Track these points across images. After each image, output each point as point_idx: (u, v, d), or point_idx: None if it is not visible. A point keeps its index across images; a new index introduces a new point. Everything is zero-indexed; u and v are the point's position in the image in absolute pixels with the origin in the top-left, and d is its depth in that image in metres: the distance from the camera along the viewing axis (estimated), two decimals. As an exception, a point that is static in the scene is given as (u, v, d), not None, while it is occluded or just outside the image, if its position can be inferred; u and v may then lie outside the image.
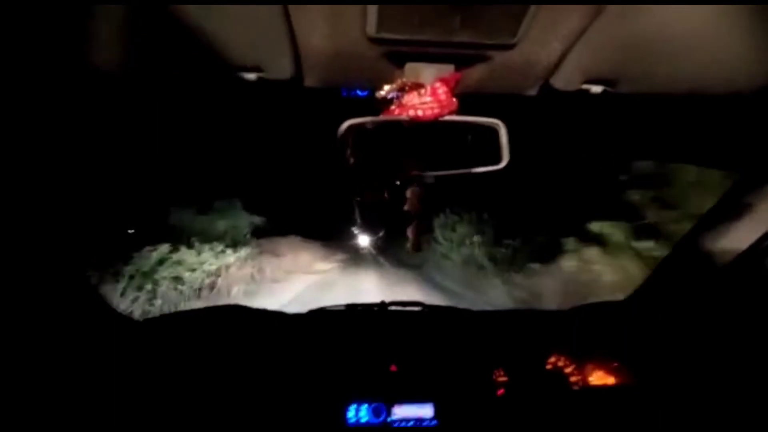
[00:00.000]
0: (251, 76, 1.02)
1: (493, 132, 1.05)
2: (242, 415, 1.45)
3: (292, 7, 0.84)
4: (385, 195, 1.29)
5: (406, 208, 1.19)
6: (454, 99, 1.00)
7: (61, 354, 1.39)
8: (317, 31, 0.91)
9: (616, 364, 1.60)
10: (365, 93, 1.16)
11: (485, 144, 1.05)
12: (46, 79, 1.01)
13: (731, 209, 1.39)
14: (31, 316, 1.32)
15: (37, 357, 1.32)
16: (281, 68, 1.02)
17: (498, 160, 1.06)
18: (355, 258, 21.57)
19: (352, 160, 1.05)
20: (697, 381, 1.49)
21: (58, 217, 1.39)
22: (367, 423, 1.47)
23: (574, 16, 0.84)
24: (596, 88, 1.02)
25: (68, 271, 1.44)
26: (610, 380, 1.58)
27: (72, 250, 1.47)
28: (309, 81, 1.10)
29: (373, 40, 0.92)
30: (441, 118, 1.00)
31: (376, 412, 1.48)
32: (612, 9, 0.81)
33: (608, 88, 1.03)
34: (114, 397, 1.41)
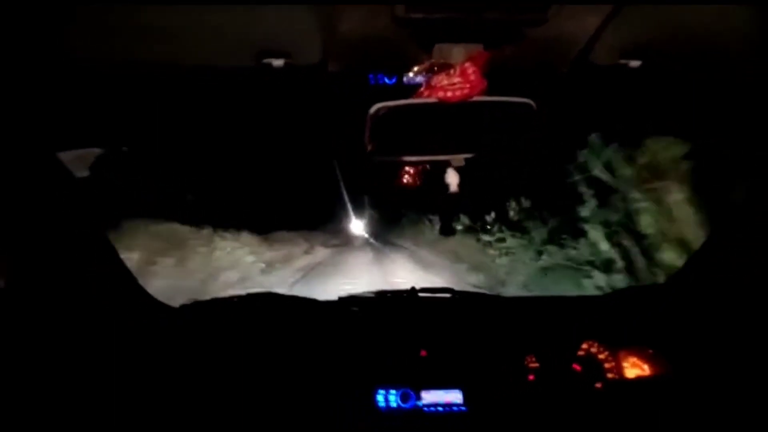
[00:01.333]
0: (278, 62, 1.03)
1: (526, 112, 1.02)
2: (274, 399, 1.48)
3: None
4: (413, 180, 1.28)
5: (442, 191, 1.18)
6: (484, 79, 0.98)
7: (99, 340, 1.45)
8: (345, 14, 0.90)
9: (651, 352, 1.56)
10: (393, 80, 1.15)
11: (517, 125, 1.03)
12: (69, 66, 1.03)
13: None
14: (69, 303, 1.37)
15: (76, 343, 1.38)
16: (308, 53, 1.02)
17: (530, 141, 1.04)
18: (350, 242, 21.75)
19: (379, 144, 1.04)
20: (732, 370, 1.44)
21: (93, 204, 1.44)
22: (396, 408, 1.47)
23: None
24: (634, 63, 0.98)
25: (105, 257, 1.49)
26: (645, 368, 1.54)
27: (107, 238, 1.53)
28: (336, 66, 1.09)
29: (402, 22, 0.91)
30: (471, 99, 0.98)
31: (405, 398, 1.48)
32: None
33: (647, 62, 0.99)
34: (151, 382, 1.47)
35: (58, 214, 1.32)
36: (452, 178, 1.14)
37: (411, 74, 1.03)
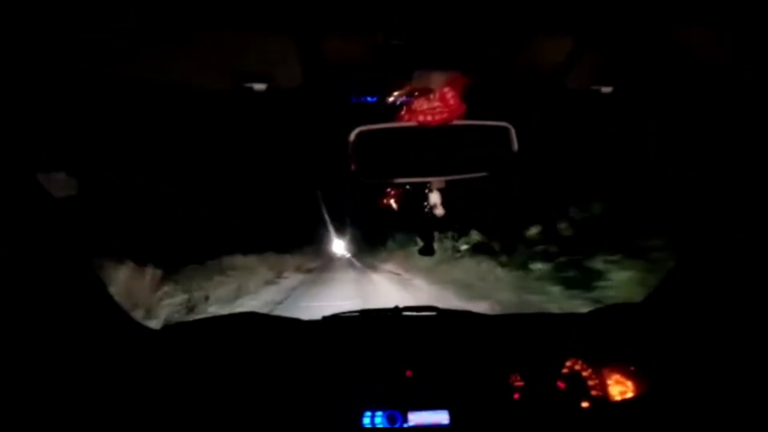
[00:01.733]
0: (260, 86, 1.04)
1: (503, 135, 1.05)
2: (258, 422, 1.45)
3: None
4: (394, 202, 1.30)
5: (425, 212, 1.20)
6: (463, 103, 1.01)
7: (78, 362, 1.41)
8: (327, 40, 0.92)
9: (633, 369, 1.57)
10: (374, 99, 1.17)
11: (495, 147, 1.05)
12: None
13: (753, 209, 1.37)
14: (49, 325, 1.34)
15: (54, 366, 1.34)
16: (290, 77, 1.03)
17: (508, 163, 1.06)
18: (331, 262, 22.00)
19: (361, 167, 1.05)
20: (716, 386, 1.45)
21: (76, 225, 1.42)
22: (383, 430, 1.46)
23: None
24: (606, 89, 1.01)
25: (85, 280, 1.47)
26: (628, 385, 1.55)
27: (89, 259, 1.50)
28: (317, 89, 1.11)
29: (381, 49, 0.93)
30: (450, 123, 1.00)
31: (391, 419, 1.47)
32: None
33: (618, 89, 1.02)
34: (132, 405, 1.43)
35: (40, 234, 1.30)
36: (434, 199, 1.15)
37: (391, 99, 1.05)
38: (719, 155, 1.47)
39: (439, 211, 1.16)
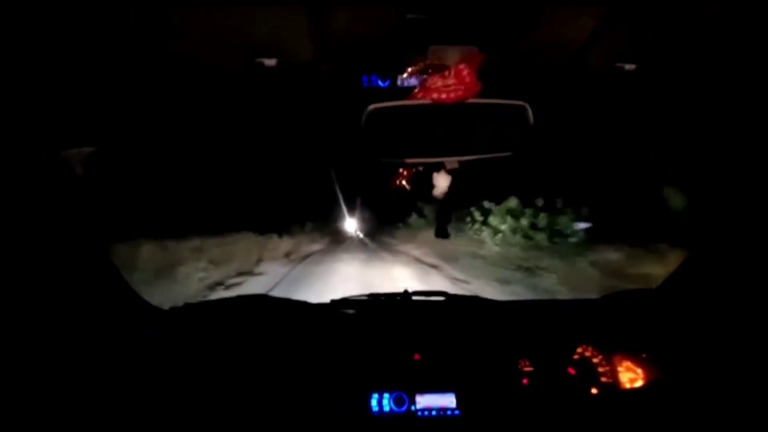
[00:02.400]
0: (271, 61, 1.01)
1: (520, 114, 1.02)
2: (266, 403, 1.46)
3: None
4: (407, 182, 1.27)
5: (434, 193, 1.17)
6: (479, 81, 0.97)
7: (89, 342, 1.43)
8: (339, 14, 0.89)
9: (644, 356, 1.56)
10: (386, 83, 1.14)
11: (512, 127, 1.02)
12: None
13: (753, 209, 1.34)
14: (61, 305, 1.35)
15: (68, 344, 1.35)
16: (301, 53, 1.00)
17: (525, 144, 1.03)
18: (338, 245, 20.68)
19: (374, 145, 1.03)
20: (726, 374, 1.43)
21: (87, 209, 1.42)
22: (390, 412, 1.46)
23: None
24: (629, 66, 0.97)
25: (97, 260, 1.47)
26: (638, 372, 1.54)
27: (101, 240, 1.51)
28: (330, 66, 1.08)
29: (395, 24, 0.89)
30: (465, 101, 0.97)
31: (398, 402, 1.47)
32: None
33: (642, 66, 0.98)
34: (142, 385, 1.44)
35: (51, 217, 1.30)
36: (444, 181, 1.13)
37: (405, 75, 1.02)
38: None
39: (447, 192, 1.13)
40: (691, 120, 1.32)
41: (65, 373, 1.32)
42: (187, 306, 1.79)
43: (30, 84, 1.04)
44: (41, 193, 1.27)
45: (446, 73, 0.96)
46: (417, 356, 1.57)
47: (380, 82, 1.16)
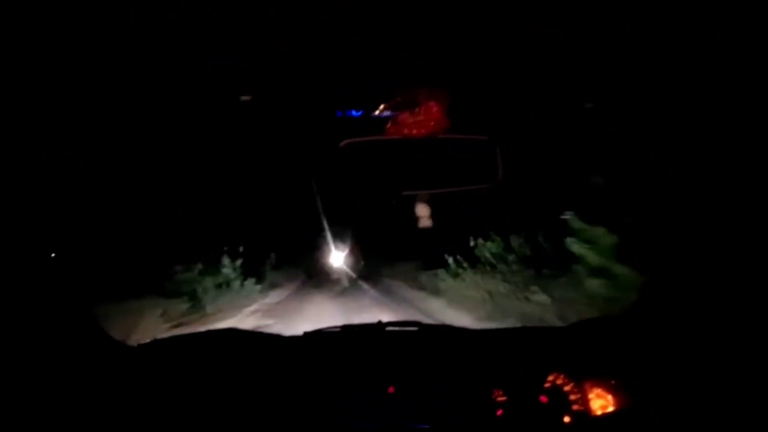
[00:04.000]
0: (246, 97, 1.03)
1: (486, 148, 1.06)
2: None
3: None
4: (378, 212, 1.30)
5: (419, 225, 1.20)
6: (447, 118, 1.02)
7: (57, 378, 1.37)
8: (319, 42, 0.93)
9: (613, 382, 1.59)
10: (359, 113, 1.17)
11: (479, 160, 1.06)
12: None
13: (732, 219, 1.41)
14: (29, 340, 1.30)
15: (34, 380, 1.29)
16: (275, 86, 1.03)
17: (494, 177, 1.07)
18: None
19: (348, 178, 1.05)
20: (695, 398, 1.47)
21: (58, 245, 1.39)
22: None
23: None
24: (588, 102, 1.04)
25: (66, 297, 1.42)
26: (608, 399, 1.56)
27: (71, 277, 1.46)
28: (304, 101, 1.11)
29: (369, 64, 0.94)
30: (434, 136, 1.01)
31: None
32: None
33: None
34: (110, 421, 1.38)
35: (23, 245, 1.27)
36: (421, 212, 1.16)
37: (377, 112, 1.06)
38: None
39: (426, 222, 1.16)
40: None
41: (32, 409, 1.25)
42: (156, 342, 1.73)
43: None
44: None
45: (416, 110, 1.01)
46: (391, 389, 1.56)
47: (353, 112, 1.19)
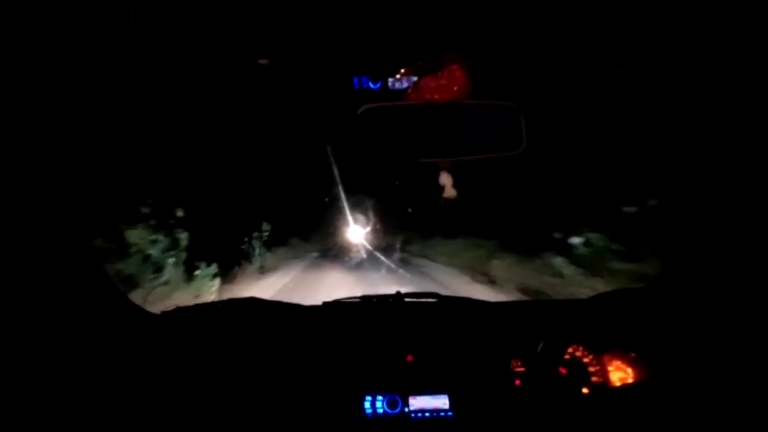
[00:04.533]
0: (264, 61, 1.02)
1: (512, 115, 1.03)
2: (259, 406, 1.45)
3: None
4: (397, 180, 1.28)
5: (444, 195, 1.18)
6: (470, 81, 0.98)
7: (80, 346, 1.41)
8: (332, 16, 0.90)
9: (633, 355, 1.57)
10: (377, 85, 1.14)
11: (504, 127, 1.03)
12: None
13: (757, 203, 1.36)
14: (51, 309, 1.34)
15: (57, 349, 1.34)
16: (294, 53, 1.01)
17: (517, 145, 1.04)
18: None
19: (368, 145, 1.03)
20: (716, 373, 1.45)
21: (79, 212, 1.41)
22: (383, 414, 1.46)
23: None
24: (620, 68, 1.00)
25: (87, 264, 1.45)
26: (629, 372, 1.55)
27: (91, 244, 1.49)
28: (322, 67, 1.09)
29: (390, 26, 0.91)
30: (458, 101, 0.98)
31: (391, 404, 1.47)
32: None
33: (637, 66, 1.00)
34: (133, 389, 1.42)
35: (44, 221, 1.30)
36: (444, 180, 1.14)
37: (397, 77, 1.03)
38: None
39: (450, 192, 1.14)
40: (691, 120, 1.34)
41: (58, 377, 1.30)
42: (179, 310, 1.77)
43: (30, 84, 1.03)
44: (41, 193, 1.26)
45: (439, 74, 0.97)
46: (410, 358, 1.57)
47: (371, 84, 1.17)
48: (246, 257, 9.39)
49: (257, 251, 9.90)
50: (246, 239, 9.64)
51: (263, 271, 9.95)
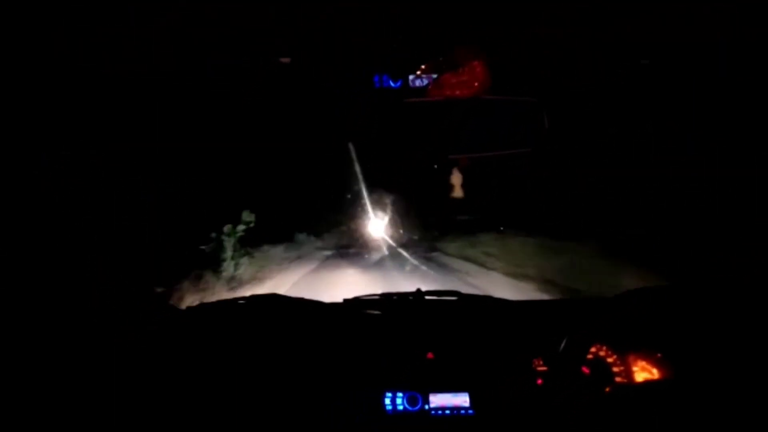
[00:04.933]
0: (285, 59, 1.03)
1: (533, 111, 1.02)
2: (279, 402, 1.47)
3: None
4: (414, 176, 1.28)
5: (452, 195, 1.18)
6: (490, 77, 0.98)
7: (106, 341, 1.45)
8: (350, 15, 0.91)
9: (659, 355, 1.54)
10: (398, 83, 1.15)
11: (524, 124, 1.03)
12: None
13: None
14: (79, 304, 1.38)
15: (83, 342, 1.38)
16: (312, 52, 1.02)
17: (537, 141, 1.03)
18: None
19: (385, 141, 1.04)
20: (742, 373, 1.41)
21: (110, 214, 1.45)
22: (403, 411, 1.46)
23: None
24: (644, 60, 0.98)
25: (114, 259, 1.50)
26: (654, 372, 1.52)
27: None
28: (341, 66, 1.10)
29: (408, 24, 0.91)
30: (478, 96, 0.98)
31: (412, 401, 1.47)
32: None
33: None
34: (157, 383, 1.46)
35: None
36: (456, 180, 1.14)
37: (418, 73, 1.03)
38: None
39: (458, 193, 1.14)
40: (691, 120, 1.32)
41: (78, 373, 1.34)
42: (203, 305, 1.82)
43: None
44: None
45: (460, 69, 0.97)
46: (430, 355, 1.57)
47: (392, 83, 1.17)
48: (209, 264, 6.80)
49: (228, 254, 7.04)
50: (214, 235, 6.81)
51: (237, 284, 7.26)
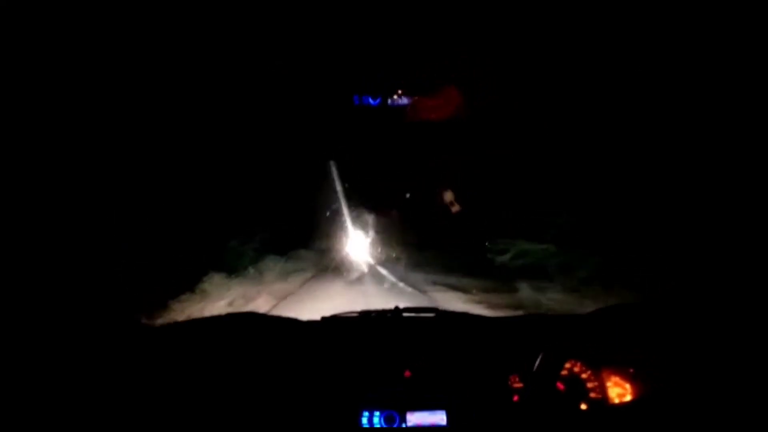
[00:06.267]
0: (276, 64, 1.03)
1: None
2: (256, 422, 1.45)
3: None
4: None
5: (453, 211, 1.20)
6: (465, 101, 1.00)
7: (80, 359, 1.41)
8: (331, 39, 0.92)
9: (631, 371, 1.57)
10: (377, 102, 1.16)
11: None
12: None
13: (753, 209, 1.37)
14: (54, 324, 1.34)
15: (59, 362, 1.34)
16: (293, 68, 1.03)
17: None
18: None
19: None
20: (713, 388, 1.45)
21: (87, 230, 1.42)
22: (380, 430, 1.45)
23: None
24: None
25: (89, 280, 1.47)
26: (626, 387, 1.55)
27: (94, 263, 1.50)
28: (322, 84, 1.11)
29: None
30: (453, 119, 1.00)
31: (389, 419, 1.46)
32: None
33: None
34: (130, 402, 1.42)
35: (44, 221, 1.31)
36: (449, 197, 1.15)
37: (396, 96, 1.05)
38: (719, 155, 1.49)
39: (456, 207, 1.16)
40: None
41: (51, 390, 1.30)
42: (177, 324, 1.78)
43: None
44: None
45: (436, 94, 0.99)
46: (407, 373, 1.57)
47: (371, 101, 1.19)
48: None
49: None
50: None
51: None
